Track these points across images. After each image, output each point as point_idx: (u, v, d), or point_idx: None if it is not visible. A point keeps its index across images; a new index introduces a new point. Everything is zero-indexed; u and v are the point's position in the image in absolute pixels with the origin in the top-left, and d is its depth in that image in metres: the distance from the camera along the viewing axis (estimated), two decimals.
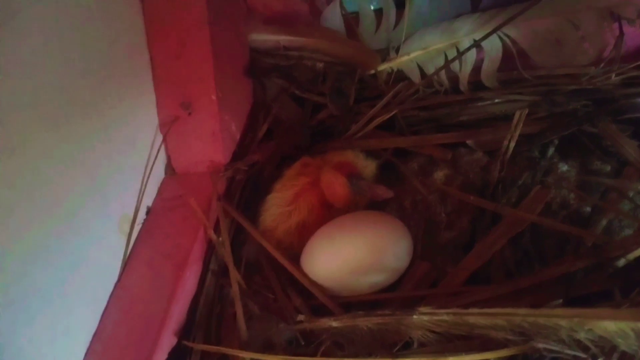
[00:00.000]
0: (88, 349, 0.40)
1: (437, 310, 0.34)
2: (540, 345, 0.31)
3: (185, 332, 0.42)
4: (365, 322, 0.36)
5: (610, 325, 0.30)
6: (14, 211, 0.33)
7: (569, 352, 0.31)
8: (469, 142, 0.47)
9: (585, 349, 0.31)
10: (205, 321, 0.43)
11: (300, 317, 0.40)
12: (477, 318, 0.33)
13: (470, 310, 0.33)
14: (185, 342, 0.41)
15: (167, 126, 0.50)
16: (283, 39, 0.54)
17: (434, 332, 0.35)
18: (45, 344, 0.36)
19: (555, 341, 0.31)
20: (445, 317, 0.34)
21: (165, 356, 0.40)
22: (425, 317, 0.34)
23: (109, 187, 0.43)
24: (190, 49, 0.48)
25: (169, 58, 0.48)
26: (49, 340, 0.36)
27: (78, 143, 0.40)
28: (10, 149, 0.33)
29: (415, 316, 0.34)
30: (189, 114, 0.49)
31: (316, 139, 0.54)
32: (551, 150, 0.44)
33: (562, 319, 0.30)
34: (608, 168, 0.42)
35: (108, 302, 0.42)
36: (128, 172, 0.47)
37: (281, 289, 0.43)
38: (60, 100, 0.38)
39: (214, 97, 0.48)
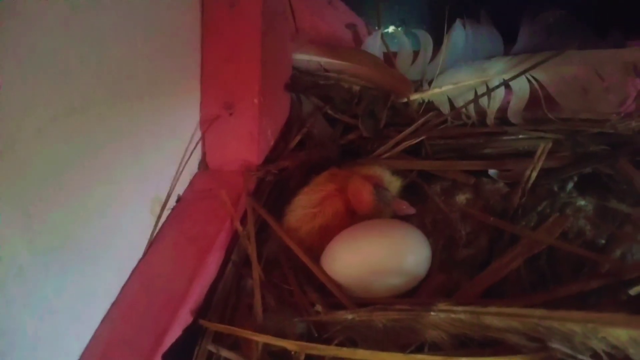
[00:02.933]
0: (106, 315, 0.41)
1: (454, 308, 0.35)
2: (556, 346, 0.31)
3: (201, 314, 0.43)
4: (382, 316, 0.37)
5: (622, 334, 0.31)
6: (66, 168, 0.35)
7: (582, 357, 0.31)
8: (491, 171, 0.50)
9: (598, 358, 0.32)
10: (222, 307, 0.44)
11: (317, 308, 0.41)
12: (493, 319, 0.34)
13: (488, 309, 0.34)
14: (202, 321, 0.41)
15: (207, 123, 0.53)
16: (325, 61, 0.58)
17: (448, 333, 0.36)
18: (72, 300, 0.37)
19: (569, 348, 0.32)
20: (462, 316, 0.35)
21: (180, 332, 0.41)
22: (443, 315, 0.35)
23: (148, 166, 0.46)
24: (240, 54, 0.52)
25: (219, 60, 0.52)
26: (75, 297, 0.37)
27: (129, 117, 0.42)
28: (71, 107, 0.36)
29: (433, 313, 0.36)
30: (230, 114, 0.52)
31: (344, 157, 0.57)
32: (570, 186, 0.47)
33: (576, 324, 0.32)
34: (624, 207, 0.44)
35: (131, 274, 0.44)
36: (167, 158, 0.49)
37: (298, 286, 0.44)
38: (121, 75, 0.41)
39: (256, 101, 0.52)
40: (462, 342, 0.36)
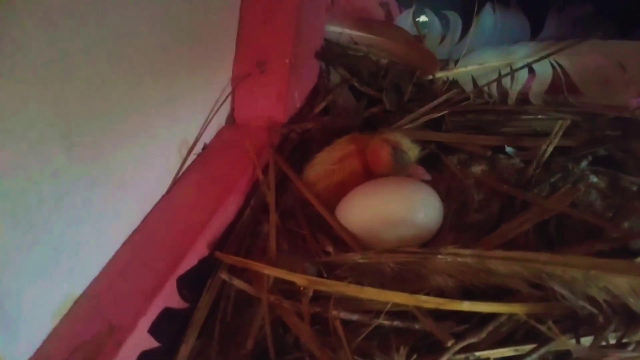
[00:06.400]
0: (127, 239, 0.43)
1: (460, 251, 0.36)
2: (557, 288, 0.32)
3: (217, 248, 0.45)
4: (390, 259, 0.39)
5: (623, 283, 0.32)
6: (107, 88, 0.38)
7: (582, 304, 0.32)
8: (508, 148, 0.51)
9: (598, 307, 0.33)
10: (237, 246, 0.46)
11: (329, 249, 0.43)
12: (498, 263, 0.35)
13: (493, 253, 0.35)
14: (218, 253, 0.43)
15: (238, 79, 0.55)
16: (356, 34, 0.60)
17: (454, 278, 0.37)
18: (98, 216, 0.39)
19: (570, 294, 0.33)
20: (468, 260, 0.36)
21: (196, 262, 0.43)
22: (450, 259, 0.37)
23: (180, 109, 0.48)
24: (277, 16, 0.54)
25: (256, 21, 0.54)
26: (101, 213, 0.39)
27: (168, 58, 0.45)
28: (118, 33, 0.38)
29: (440, 256, 0.37)
30: (261, 72, 0.55)
31: (366, 128, 0.58)
32: (584, 164, 0.48)
33: (578, 271, 0.33)
34: (635, 188, 0.45)
35: (154, 206, 0.46)
36: (198, 106, 0.52)
37: (311, 234, 0.46)
38: (167, 17, 0.43)
39: (287, 61, 0.54)
40: (465, 289, 0.38)
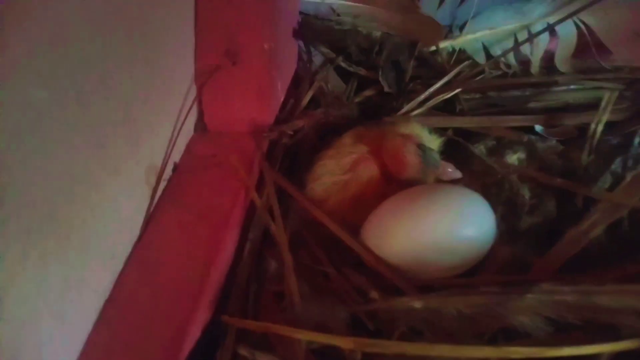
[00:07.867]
0: (100, 315, 0.32)
1: (560, 288, 0.28)
2: None
3: (220, 307, 0.35)
4: (459, 303, 0.30)
5: None
6: (44, 122, 0.26)
7: None
8: (537, 127, 0.43)
9: None
10: (242, 297, 0.36)
11: (374, 295, 0.33)
12: (609, 299, 0.28)
13: (604, 288, 0.28)
14: (225, 317, 0.33)
15: (204, 76, 0.43)
16: (338, 3, 0.49)
17: (543, 317, 0.30)
18: (56, 297, 0.28)
19: None
20: (568, 298, 0.28)
21: (199, 334, 0.32)
22: (544, 297, 0.28)
23: (141, 126, 0.36)
24: None
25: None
26: (59, 292, 0.28)
27: (117, 61, 0.32)
28: (49, 42, 0.26)
29: (530, 295, 0.29)
30: (233, 64, 0.43)
31: (363, 116, 0.49)
32: (637, 140, 0.41)
33: None
34: None
35: (126, 262, 0.34)
36: (161, 117, 0.39)
37: (334, 267, 0.37)
38: (107, 6, 0.31)
39: (266, 47, 0.42)
40: (558, 327, 0.30)
